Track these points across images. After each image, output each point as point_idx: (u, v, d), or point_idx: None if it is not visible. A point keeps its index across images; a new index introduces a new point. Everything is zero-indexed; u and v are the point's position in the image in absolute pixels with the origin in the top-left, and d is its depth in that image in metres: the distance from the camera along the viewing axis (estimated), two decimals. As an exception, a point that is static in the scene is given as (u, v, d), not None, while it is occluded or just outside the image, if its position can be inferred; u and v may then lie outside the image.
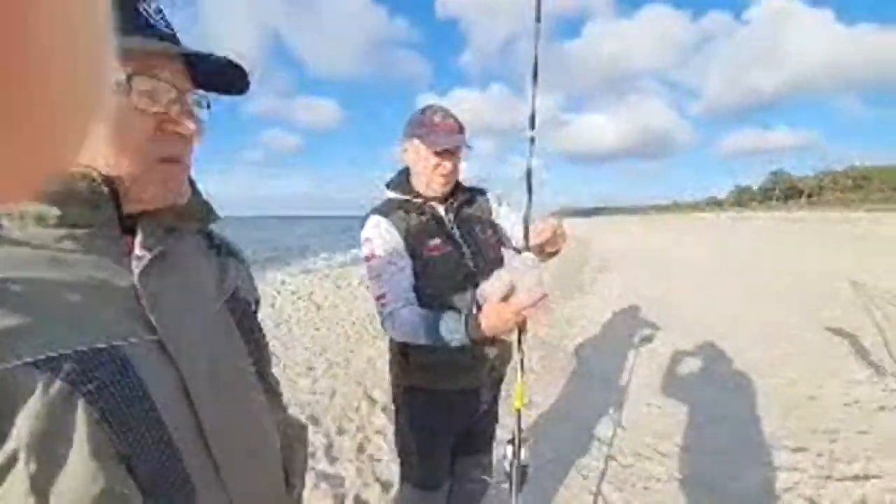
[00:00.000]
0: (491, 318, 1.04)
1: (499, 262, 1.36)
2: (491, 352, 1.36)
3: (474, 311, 1.10)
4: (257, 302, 0.72)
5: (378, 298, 1.22)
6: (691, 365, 3.83)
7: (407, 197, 1.29)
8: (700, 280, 8.12)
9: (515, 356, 1.29)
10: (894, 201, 75.92)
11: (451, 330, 1.10)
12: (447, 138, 1.20)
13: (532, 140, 1.30)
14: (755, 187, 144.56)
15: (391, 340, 1.36)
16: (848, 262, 9.47)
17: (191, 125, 0.48)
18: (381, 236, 1.22)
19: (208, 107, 0.54)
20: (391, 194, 1.32)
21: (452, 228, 1.29)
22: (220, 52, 0.49)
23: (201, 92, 0.52)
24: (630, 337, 4.66)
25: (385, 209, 1.27)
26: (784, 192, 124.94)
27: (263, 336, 0.69)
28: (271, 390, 0.69)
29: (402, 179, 1.32)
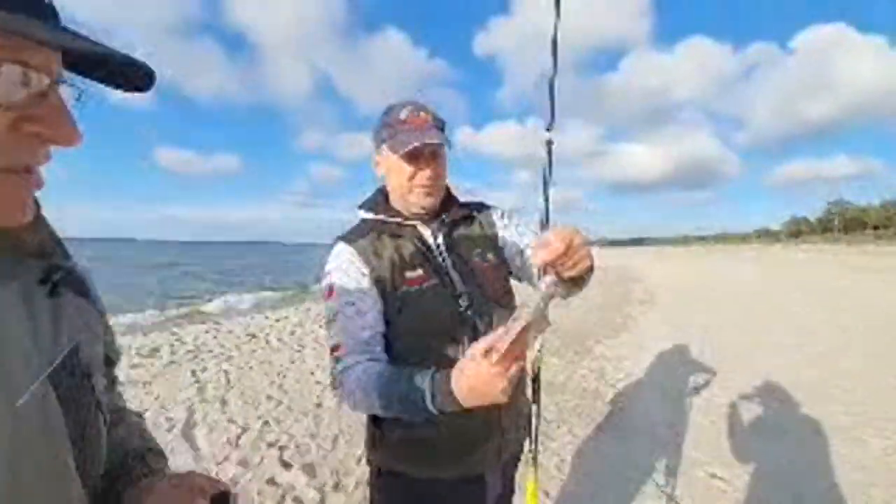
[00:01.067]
0: (464, 378, 0.70)
1: (503, 297, 1.01)
2: (503, 420, 1.00)
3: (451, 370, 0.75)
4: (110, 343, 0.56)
5: (332, 351, 0.92)
6: (758, 421, 3.21)
7: (381, 217, 1.01)
8: (760, 320, 7.28)
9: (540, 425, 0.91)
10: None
11: (411, 395, 0.77)
12: (419, 135, 0.92)
13: (549, 144, 1.09)
14: (812, 218, 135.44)
15: None
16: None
17: (64, 127, 0.38)
18: (342, 269, 0.95)
19: (79, 98, 0.41)
20: (365, 215, 1.04)
21: (440, 255, 0.99)
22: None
23: (80, 81, 0.41)
24: (681, 384, 4.06)
25: (353, 234, 1.01)
26: (845, 223, 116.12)
27: (104, 412, 0.50)
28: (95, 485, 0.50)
29: (379, 198, 1.05)
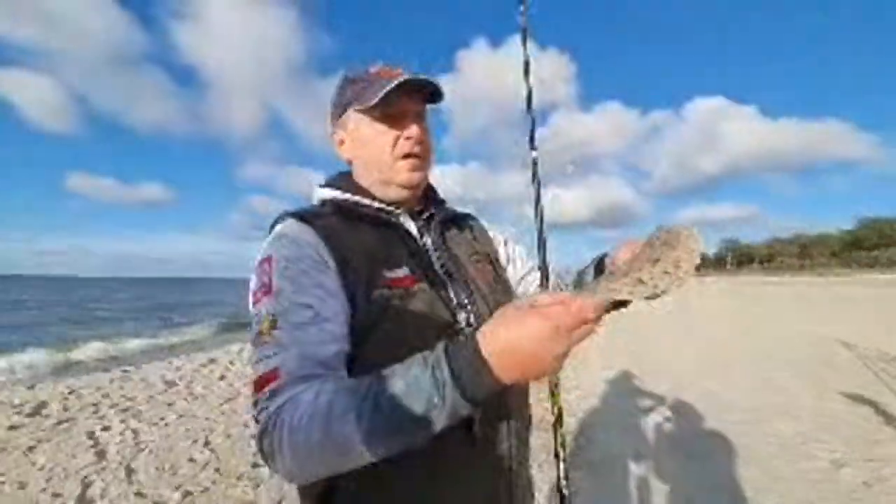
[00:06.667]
0: (513, 329, 0.47)
1: None
2: (514, 492, 0.75)
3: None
4: None
5: (260, 385, 0.57)
6: (710, 445, 3.25)
7: (349, 196, 0.76)
8: (690, 348, 7.73)
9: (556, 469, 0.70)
10: (831, 265, 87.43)
11: (414, 388, 0.49)
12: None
13: (535, 162, 0.95)
14: (710, 254, 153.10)
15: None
16: (837, 326, 9.44)
17: None
18: (293, 252, 0.64)
19: None
20: (328, 194, 0.78)
21: (427, 252, 0.77)
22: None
23: None
24: (636, 410, 4.07)
25: (311, 213, 0.73)
26: (737, 258, 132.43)
27: None
28: None
29: (346, 176, 0.81)
